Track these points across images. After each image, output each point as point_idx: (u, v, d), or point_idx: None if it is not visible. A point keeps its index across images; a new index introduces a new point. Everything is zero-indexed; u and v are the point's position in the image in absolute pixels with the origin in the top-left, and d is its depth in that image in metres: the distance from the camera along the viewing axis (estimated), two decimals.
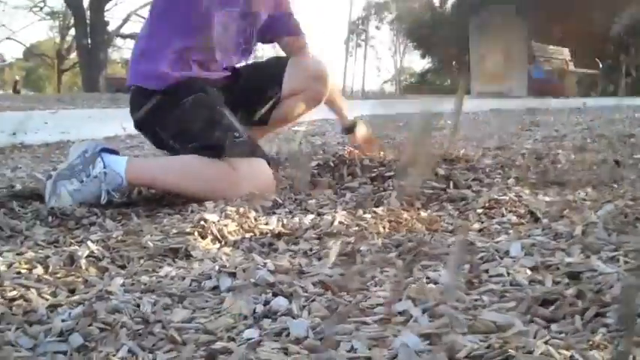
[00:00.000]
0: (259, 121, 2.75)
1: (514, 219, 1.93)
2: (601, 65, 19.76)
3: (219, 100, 2.52)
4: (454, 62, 38.06)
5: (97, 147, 2.40)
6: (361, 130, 3.19)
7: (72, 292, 1.39)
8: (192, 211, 2.12)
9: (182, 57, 2.49)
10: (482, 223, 1.92)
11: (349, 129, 3.21)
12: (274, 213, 2.10)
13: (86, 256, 1.60)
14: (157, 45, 2.53)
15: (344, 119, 3.23)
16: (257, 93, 2.76)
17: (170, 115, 2.46)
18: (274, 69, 2.87)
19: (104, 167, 2.33)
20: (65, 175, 2.35)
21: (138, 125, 2.65)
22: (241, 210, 2.02)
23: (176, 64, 2.48)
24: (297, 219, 1.97)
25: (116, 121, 5.05)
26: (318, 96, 2.88)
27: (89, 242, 1.71)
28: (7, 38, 37.03)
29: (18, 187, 2.63)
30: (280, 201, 2.26)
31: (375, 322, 1.12)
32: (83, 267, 1.55)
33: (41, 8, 34.02)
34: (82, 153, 2.38)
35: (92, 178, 2.33)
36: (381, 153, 2.86)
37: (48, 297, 1.33)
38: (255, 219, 1.97)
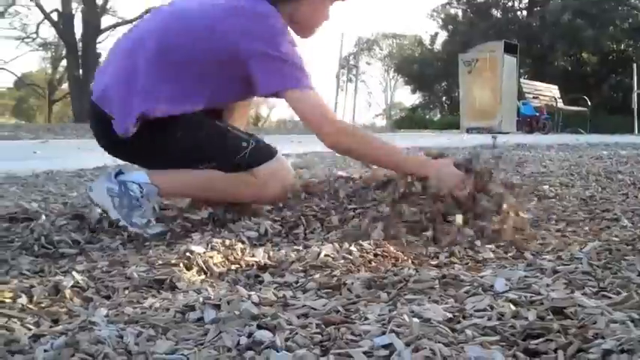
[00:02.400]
0: None
1: (499, 253, 1.94)
2: (589, 103, 19.90)
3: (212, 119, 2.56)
4: (444, 98, 38.37)
5: (112, 174, 2.47)
6: None
7: (55, 322, 1.38)
8: (178, 242, 2.12)
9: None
10: (468, 257, 1.93)
11: None
12: (261, 245, 2.10)
13: (71, 286, 1.60)
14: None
15: None
16: None
17: (170, 137, 2.45)
18: None
19: (139, 186, 2.43)
20: (126, 213, 2.40)
21: (114, 147, 2.62)
22: (227, 242, 2.02)
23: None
24: (283, 251, 1.97)
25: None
26: None
27: (74, 272, 1.71)
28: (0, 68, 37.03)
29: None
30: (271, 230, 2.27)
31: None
32: (68, 297, 1.55)
33: (33, 39, 34.11)
34: (108, 190, 2.43)
35: (141, 199, 2.42)
36: None
37: (31, 327, 1.32)
38: (242, 251, 1.97)
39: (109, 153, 2.66)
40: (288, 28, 2.47)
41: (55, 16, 28.78)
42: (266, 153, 2.52)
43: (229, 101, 2.68)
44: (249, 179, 2.47)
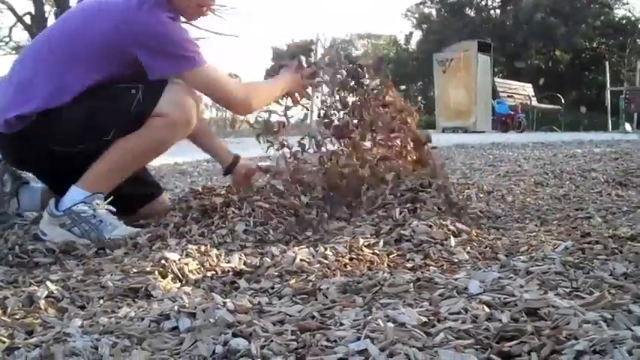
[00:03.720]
0: None
1: (473, 254, 1.95)
2: (563, 101, 20.03)
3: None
4: (420, 97, 38.44)
5: (52, 208, 2.40)
6: (242, 169, 2.94)
7: (30, 334, 1.37)
8: (153, 250, 2.11)
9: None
10: (443, 258, 1.94)
11: (229, 169, 2.94)
12: (236, 250, 2.10)
13: (45, 297, 1.59)
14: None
15: (223, 159, 2.97)
16: None
17: (63, 125, 2.36)
18: None
19: (84, 203, 2.37)
20: (96, 236, 2.37)
21: (21, 160, 2.57)
22: (202, 248, 2.02)
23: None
24: (258, 257, 1.97)
25: None
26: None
27: (48, 282, 1.70)
28: None
29: None
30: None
31: None
32: (42, 308, 1.54)
33: (6, 43, 33.78)
34: (61, 226, 2.37)
35: (96, 214, 2.38)
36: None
37: (5, 339, 1.31)
38: (217, 257, 1.97)
39: (18, 168, 2.65)
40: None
41: (27, 20, 28.51)
42: (158, 87, 2.42)
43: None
44: (158, 122, 2.38)
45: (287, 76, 2.81)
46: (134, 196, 2.67)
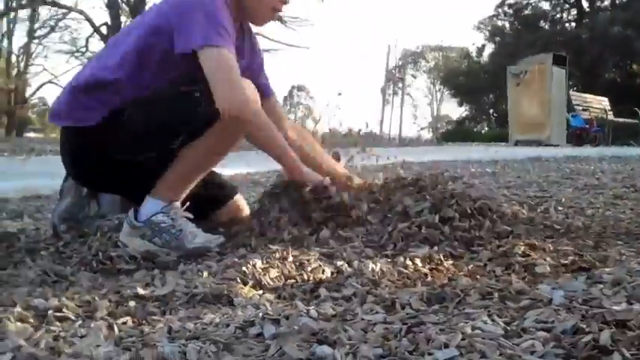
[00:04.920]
0: None
1: (554, 265, 1.93)
2: None
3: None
4: (491, 110, 38.13)
5: (131, 219, 2.41)
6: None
7: (120, 338, 1.40)
8: (234, 256, 2.12)
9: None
10: (524, 272, 1.92)
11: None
12: (316, 260, 2.10)
13: (133, 301, 1.63)
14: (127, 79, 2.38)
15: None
16: None
17: (127, 132, 2.35)
18: None
19: (162, 213, 2.38)
20: (177, 246, 2.37)
21: (87, 173, 2.58)
22: (278, 254, 2.03)
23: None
24: (338, 264, 1.98)
25: None
26: None
27: (137, 287, 1.74)
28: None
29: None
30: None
31: None
32: (131, 313, 1.57)
33: (83, 53, 34.53)
34: (142, 237, 2.38)
35: (176, 223, 2.38)
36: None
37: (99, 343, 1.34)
38: (296, 264, 1.98)
39: (80, 183, 2.66)
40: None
41: (104, 30, 29.10)
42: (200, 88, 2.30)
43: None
44: (224, 124, 2.28)
45: (301, 167, 2.54)
46: (209, 200, 2.69)
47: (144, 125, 2.33)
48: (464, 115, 42.82)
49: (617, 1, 33.34)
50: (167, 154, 2.38)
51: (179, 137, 2.34)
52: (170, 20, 2.32)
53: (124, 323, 1.50)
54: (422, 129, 55.89)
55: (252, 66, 2.68)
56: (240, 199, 2.86)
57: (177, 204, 2.41)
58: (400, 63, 43.14)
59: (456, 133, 34.89)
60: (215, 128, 2.30)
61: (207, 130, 2.31)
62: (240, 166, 6.25)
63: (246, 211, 2.84)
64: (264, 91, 2.64)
